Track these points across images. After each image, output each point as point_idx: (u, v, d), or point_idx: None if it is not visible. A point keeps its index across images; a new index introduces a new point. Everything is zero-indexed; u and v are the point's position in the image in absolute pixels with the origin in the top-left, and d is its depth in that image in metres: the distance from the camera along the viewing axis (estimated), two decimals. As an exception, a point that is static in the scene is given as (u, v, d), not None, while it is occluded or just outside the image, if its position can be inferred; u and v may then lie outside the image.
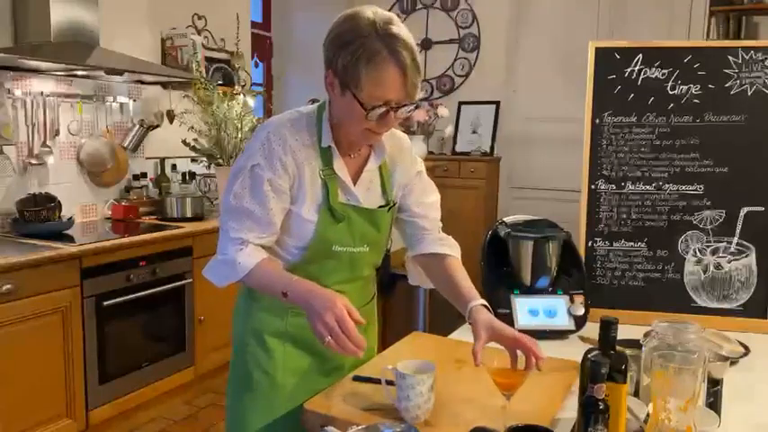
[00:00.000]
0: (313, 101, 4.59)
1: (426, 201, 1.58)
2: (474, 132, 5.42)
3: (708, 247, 1.95)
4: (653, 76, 2.00)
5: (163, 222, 3.46)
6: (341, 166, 1.41)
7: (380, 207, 1.47)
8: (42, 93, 3.19)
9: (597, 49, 2.04)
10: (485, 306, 1.40)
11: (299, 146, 1.38)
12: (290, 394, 1.45)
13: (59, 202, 3.11)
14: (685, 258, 1.97)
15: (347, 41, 1.26)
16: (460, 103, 5.50)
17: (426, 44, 5.73)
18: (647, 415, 1.18)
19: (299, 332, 1.45)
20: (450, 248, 1.56)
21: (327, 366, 1.51)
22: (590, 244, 2.03)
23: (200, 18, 4.09)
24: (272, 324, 1.47)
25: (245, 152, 1.41)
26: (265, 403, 1.45)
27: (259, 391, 1.46)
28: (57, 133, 3.29)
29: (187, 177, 3.88)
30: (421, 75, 1.30)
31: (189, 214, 3.58)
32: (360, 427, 1.11)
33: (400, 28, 1.28)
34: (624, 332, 1.35)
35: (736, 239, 1.94)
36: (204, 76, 3.61)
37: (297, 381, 1.46)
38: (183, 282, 3.23)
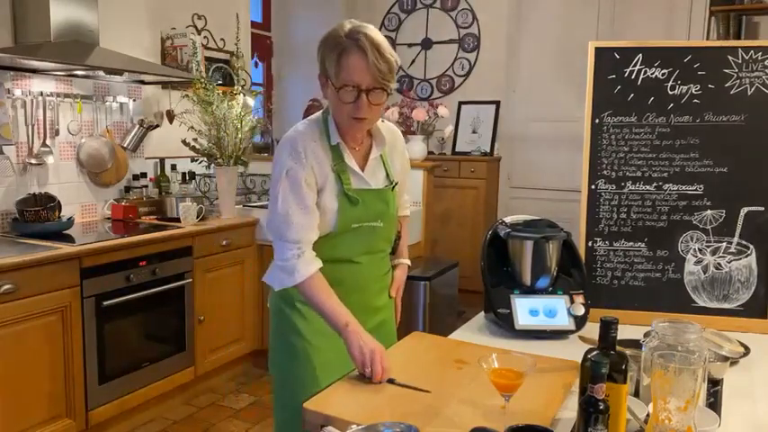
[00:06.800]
0: (313, 101, 4.58)
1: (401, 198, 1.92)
2: (474, 132, 5.42)
3: (708, 247, 1.95)
4: (653, 76, 2.00)
5: (163, 222, 3.45)
6: (350, 158, 1.66)
7: (386, 187, 1.74)
8: (42, 93, 3.19)
9: (597, 49, 2.04)
10: (407, 265, 1.95)
11: (316, 147, 1.63)
12: (325, 356, 1.66)
13: (59, 202, 3.10)
14: (685, 258, 1.97)
15: (325, 43, 1.57)
16: (460, 103, 5.49)
17: (426, 44, 5.73)
18: (647, 415, 1.18)
19: None
20: (404, 209, 1.95)
21: None
22: (590, 244, 2.03)
23: (200, 18, 4.09)
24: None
25: (275, 165, 1.64)
26: (307, 364, 1.67)
27: (298, 354, 1.69)
28: (56, 133, 3.29)
29: (187, 177, 3.88)
30: (389, 64, 1.53)
31: (189, 214, 3.57)
32: (360, 427, 1.11)
33: (368, 29, 1.54)
34: (624, 332, 1.35)
35: (736, 239, 1.94)
36: (204, 76, 3.61)
37: (327, 341, 1.64)
38: (183, 282, 3.22)
